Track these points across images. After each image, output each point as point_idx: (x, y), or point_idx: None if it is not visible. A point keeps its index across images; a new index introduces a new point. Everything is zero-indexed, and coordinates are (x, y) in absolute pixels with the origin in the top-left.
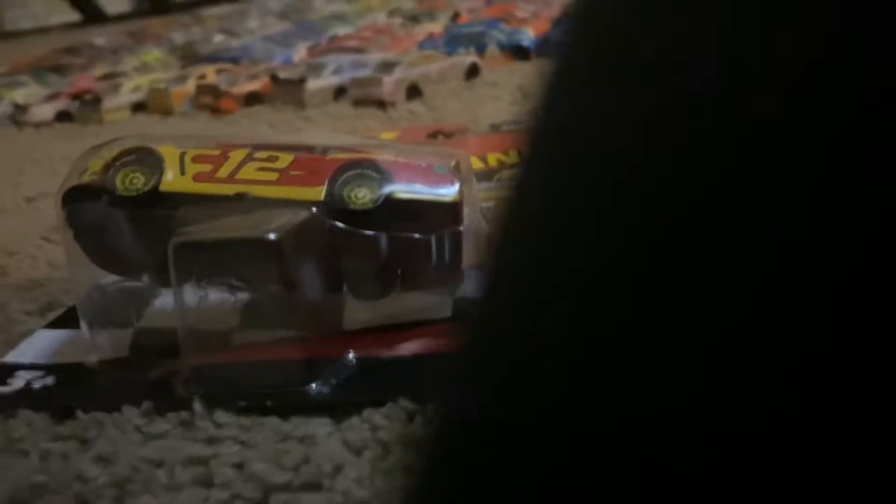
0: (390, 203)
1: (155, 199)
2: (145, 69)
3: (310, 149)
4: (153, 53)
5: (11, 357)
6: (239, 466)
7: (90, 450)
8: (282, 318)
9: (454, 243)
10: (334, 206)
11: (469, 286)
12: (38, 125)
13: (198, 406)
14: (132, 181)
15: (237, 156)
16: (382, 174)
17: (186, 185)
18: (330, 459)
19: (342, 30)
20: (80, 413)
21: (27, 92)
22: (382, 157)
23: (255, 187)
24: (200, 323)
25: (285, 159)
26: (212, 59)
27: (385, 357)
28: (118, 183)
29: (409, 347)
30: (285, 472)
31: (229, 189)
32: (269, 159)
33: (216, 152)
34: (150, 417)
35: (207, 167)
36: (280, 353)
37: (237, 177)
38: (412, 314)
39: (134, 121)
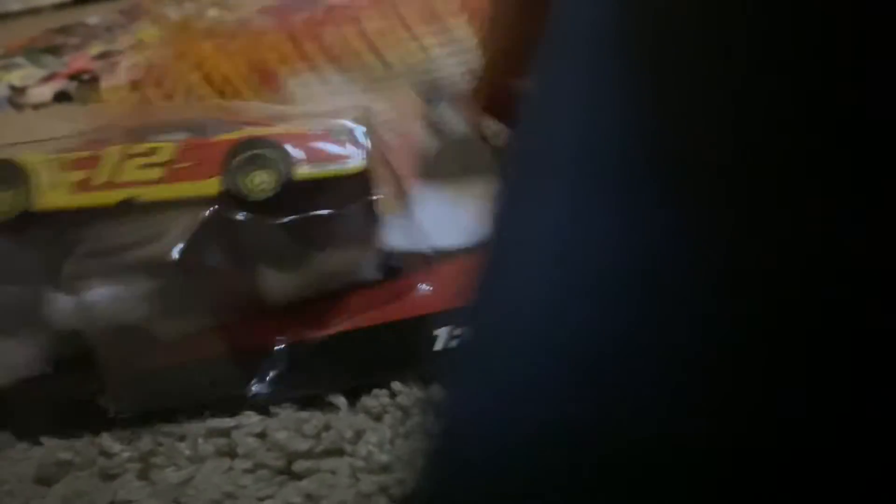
0: (293, 185)
1: (30, 221)
2: (142, 47)
3: (192, 125)
4: (149, 31)
5: None
6: (261, 436)
7: (112, 427)
8: (197, 306)
9: (368, 212)
10: (232, 199)
11: (396, 236)
12: (37, 106)
13: None
14: None
15: (111, 155)
16: (278, 152)
17: (64, 199)
18: (350, 425)
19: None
20: None
21: (23, 73)
22: (275, 129)
23: (141, 189)
24: (113, 319)
25: (166, 150)
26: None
27: (317, 339)
28: None
29: (338, 323)
30: (307, 439)
31: (113, 197)
32: (148, 153)
33: (86, 154)
34: None
35: (81, 174)
36: (207, 348)
37: (118, 180)
38: (336, 277)
39: (134, 99)
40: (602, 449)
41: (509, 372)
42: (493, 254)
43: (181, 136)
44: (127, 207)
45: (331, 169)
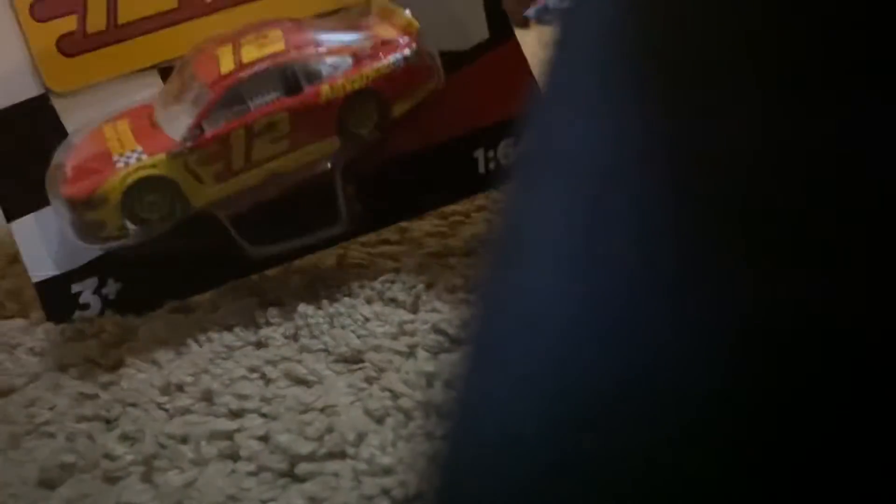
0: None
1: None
2: None
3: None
4: None
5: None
6: (263, 439)
7: (115, 429)
8: None
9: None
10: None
11: None
12: None
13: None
14: None
15: (238, 138)
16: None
17: (215, 193)
18: (353, 428)
19: None
20: (101, 392)
21: None
22: (367, 71)
23: (276, 163)
24: None
25: (282, 122)
26: None
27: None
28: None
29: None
30: (309, 441)
31: (255, 177)
32: (269, 128)
33: (215, 148)
34: (172, 394)
35: (220, 165)
36: None
37: (254, 159)
38: None
39: None
40: (605, 471)
41: (518, 384)
42: (500, 264)
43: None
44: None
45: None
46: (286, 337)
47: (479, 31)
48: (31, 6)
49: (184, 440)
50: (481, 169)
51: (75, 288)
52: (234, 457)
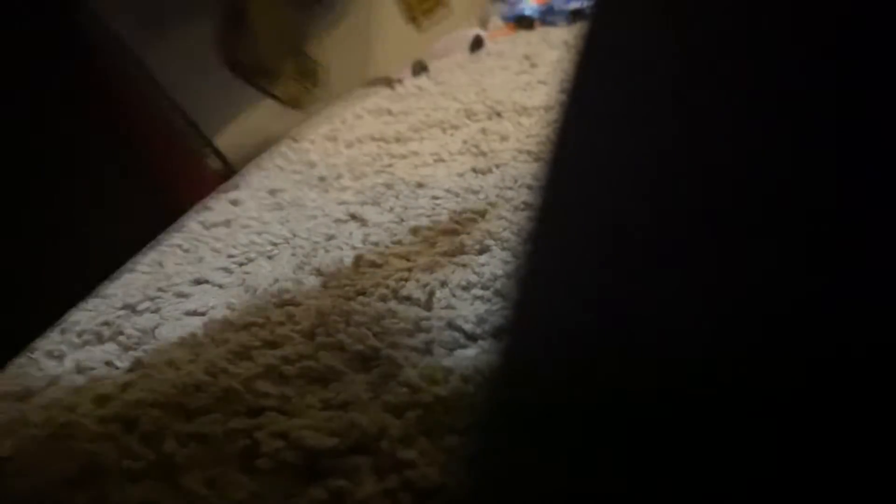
0: None
1: None
2: None
3: None
4: None
5: None
6: (283, 436)
7: (135, 430)
8: None
9: None
10: None
11: None
12: None
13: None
14: None
15: None
16: None
17: None
18: (373, 422)
19: None
20: (120, 394)
21: None
22: None
23: None
24: None
25: None
26: None
27: None
28: None
29: None
30: (330, 437)
31: None
32: None
33: None
34: (192, 395)
35: None
36: None
37: None
38: None
39: None
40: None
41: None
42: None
43: None
44: None
45: None
46: (302, 336)
47: None
48: None
49: (203, 439)
50: None
51: None
52: (255, 454)
